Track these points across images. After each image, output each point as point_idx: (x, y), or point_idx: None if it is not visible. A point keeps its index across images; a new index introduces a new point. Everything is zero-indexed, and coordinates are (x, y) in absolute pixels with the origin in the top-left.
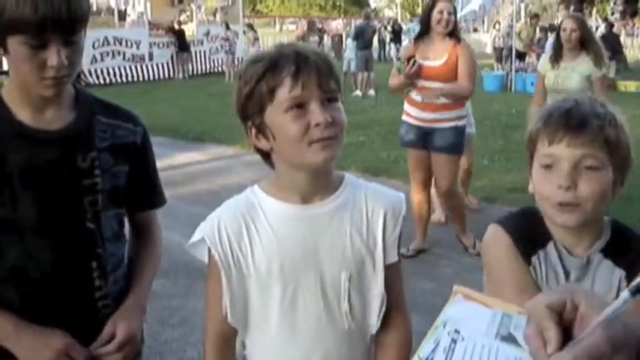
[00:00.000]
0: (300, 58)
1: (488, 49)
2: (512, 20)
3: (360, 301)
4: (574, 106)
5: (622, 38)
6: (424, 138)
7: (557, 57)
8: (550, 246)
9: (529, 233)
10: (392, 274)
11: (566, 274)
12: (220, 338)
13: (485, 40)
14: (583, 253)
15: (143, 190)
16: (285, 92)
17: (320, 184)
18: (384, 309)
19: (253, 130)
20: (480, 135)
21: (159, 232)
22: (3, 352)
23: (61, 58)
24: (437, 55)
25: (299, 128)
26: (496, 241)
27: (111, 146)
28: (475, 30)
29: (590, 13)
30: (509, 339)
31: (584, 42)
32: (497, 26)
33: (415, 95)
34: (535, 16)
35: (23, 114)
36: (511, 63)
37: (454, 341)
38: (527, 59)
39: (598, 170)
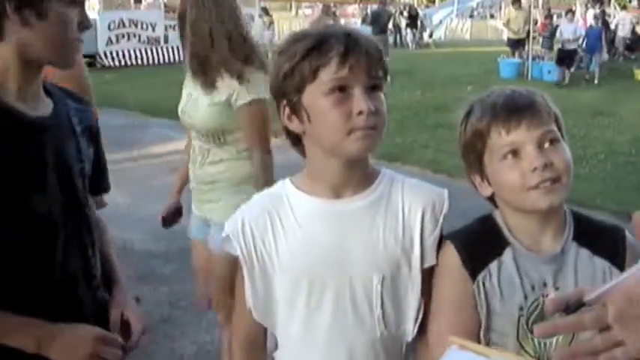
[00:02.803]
0: (350, 40)
1: (505, 36)
2: (529, 7)
3: (394, 306)
4: (514, 92)
5: None
6: None
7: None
8: (507, 253)
9: (481, 245)
10: (431, 277)
11: (523, 280)
12: (248, 336)
13: (501, 26)
14: (552, 245)
15: (101, 173)
16: (330, 73)
17: (353, 176)
18: (421, 315)
19: (286, 110)
20: None
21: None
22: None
23: (90, 19)
24: None
25: (340, 115)
26: (444, 261)
27: (83, 129)
28: (492, 16)
29: (609, 1)
30: None
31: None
32: None
33: None
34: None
35: (12, 99)
36: (528, 50)
37: None
38: (526, 47)
39: (559, 143)
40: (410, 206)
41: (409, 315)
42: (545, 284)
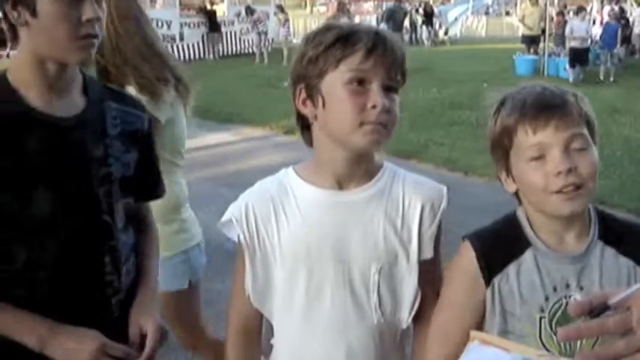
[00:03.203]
0: (378, 37)
1: (520, 33)
2: (545, 4)
3: (390, 295)
4: (545, 90)
5: None
6: None
7: None
8: (528, 254)
9: (501, 247)
10: (428, 269)
11: (544, 281)
12: (244, 322)
13: (517, 23)
14: (576, 244)
15: (148, 179)
16: (353, 63)
17: (358, 168)
18: (417, 305)
19: (303, 94)
20: None
21: (154, 221)
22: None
23: (96, 11)
24: None
25: (354, 106)
26: (460, 260)
27: (122, 133)
28: (507, 13)
29: None
30: None
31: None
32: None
33: None
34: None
35: (35, 98)
36: (544, 47)
37: None
38: (541, 44)
39: (588, 148)
40: (410, 201)
41: (405, 303)
42: (568, 285)
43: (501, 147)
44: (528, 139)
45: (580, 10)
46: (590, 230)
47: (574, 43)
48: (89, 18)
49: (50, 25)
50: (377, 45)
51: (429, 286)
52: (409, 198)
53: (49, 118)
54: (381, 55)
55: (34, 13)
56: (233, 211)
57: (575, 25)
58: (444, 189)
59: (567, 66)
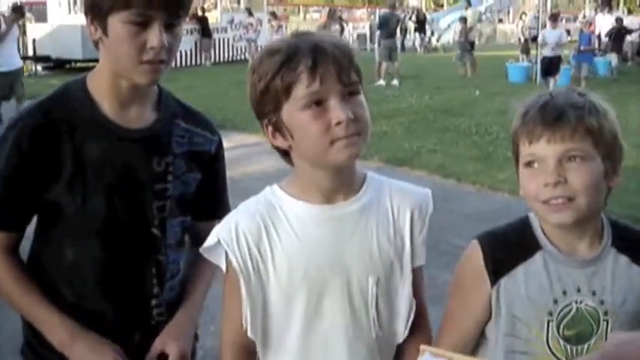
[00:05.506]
0: (317, 51)
1: (513, 40)
2: (538, 11)
3: (387, 307)
4: (549, 100)
5: None
6: None
7: None
8: (537, 257)
9: (511, 248)
10: (419, 277)
11: (554, 284)
12: (241, 350)
13: (509, 30)
14: (588, 251)
15: (210, 200)
16: (302, 88)
17: (343, 182)
18: (412, 315)
19: (270, 129)
20: (504, 126)
21: None
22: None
23: (161, 38)
24: None
25: (319, 128)
26: (467, 259)
27: (186, 152)
28: (500, 21)
29: (617, 5)
30: None
31: None
32: (523, 17)
33: None
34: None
35: (107, 107)
36: (536, 54)
37: None
38: (532, 51)
39: (584, 161)
40: (399, 208)
41: (401, 315)
42: (579, 290)
43: (513, 151)
44: (525, 148)
45: (553, 17)
46: (603, 238)
47: (546, 52)
48: (153, 46)
49: (117, 46)
50: (318, 60)
51: (420, 292)
52: (397, 206)
53: (116, 127)
54: (326, 68)
55: (105, 31)
56: (221, 234)
57: (547, 34)
58: (429, 192)
59: (540, 77)
